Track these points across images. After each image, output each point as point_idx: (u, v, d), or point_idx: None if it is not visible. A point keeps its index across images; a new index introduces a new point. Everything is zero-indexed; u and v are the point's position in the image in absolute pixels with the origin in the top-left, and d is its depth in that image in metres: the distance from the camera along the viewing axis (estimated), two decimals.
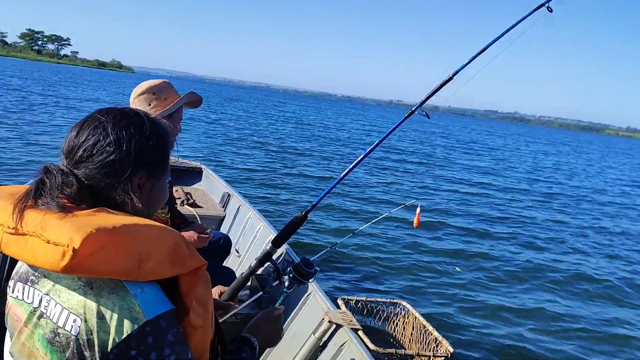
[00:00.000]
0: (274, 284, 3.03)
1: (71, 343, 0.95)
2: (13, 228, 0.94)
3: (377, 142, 2.26)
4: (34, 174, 1.01)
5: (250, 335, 1.38)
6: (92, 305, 0.95)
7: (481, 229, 9.61)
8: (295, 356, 2.62)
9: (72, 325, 0.95)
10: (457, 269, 6.09)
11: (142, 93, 2.50)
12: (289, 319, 2.97)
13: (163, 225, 1.02)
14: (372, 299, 3.73)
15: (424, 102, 2.23)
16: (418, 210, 3.38)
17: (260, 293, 3.10)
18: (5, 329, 1.11)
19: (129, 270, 0.93)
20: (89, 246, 0.87)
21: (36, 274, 1.04)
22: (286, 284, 1.84)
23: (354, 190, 11.44)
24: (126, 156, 1.04)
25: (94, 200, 1.02)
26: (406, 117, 2.27)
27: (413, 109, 2.25)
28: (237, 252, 4.14)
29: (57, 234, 0.89)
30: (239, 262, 4.12)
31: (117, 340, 0.93)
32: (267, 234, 4.04)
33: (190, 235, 2.65)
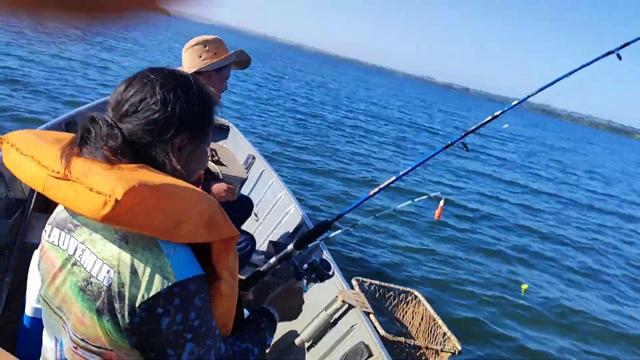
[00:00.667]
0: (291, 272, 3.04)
1: (102, 293, 0.97)
2: (58, 172, 0.95)
3: (412, 166, 2.23)
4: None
5: (270, 307, 1.38)
6: (126, 258, 0.96)
7: (503, 227, 9.49)
8: (304, 329, 2.61)
9: (105, 276, 0.97)
10: (524, 287, 5.94)
11: (194, 45, 2.51)
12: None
13: (201, 190, 1.03)
14: (386, 284, 3.70)
15: (465, 134, 2.19)
16: (441, 203, 3.30)
17: (277, 265, 3.09)
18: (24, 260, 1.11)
19: (165, 230, 0.94)
20: (130, 199, 0.88)
21: (74, 222, 1.06)
22: (304, 283, 1.85)
23: (379, 172, 11.36)
24: (170, 116, 1.04)
25: (136, 157, 1.03)
26: (445, 147, 2.22)
27: (453, 140, 2.21)
28: (256, 215, 4.14)
29: (101, 183, 0.90)
30: (256, 226, 4.12)
31: (146, 296, 0.95)
32: (287, 202, 4.03)
33: (219, 186, 2.63)
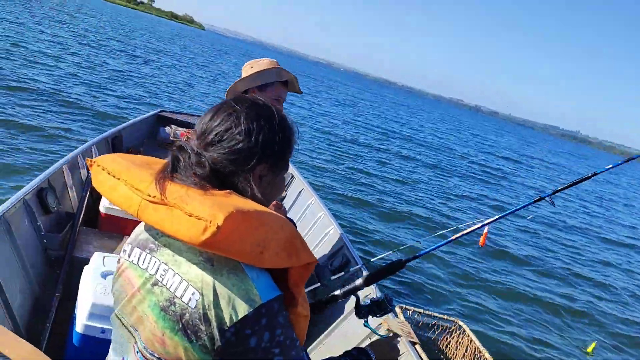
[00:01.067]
0: (332, 278, 2.99)
1: (186, 314, 0.98)
2: (154, 196, 0.98)
3: (504, 214, 2.25)
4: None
5: (372, 352, 1.42)
6: (211, 281, 0.98)
7: (551, 257, 9.20)
8: None
9: (190, 297, 0.98)
10: (591, 348, 5.72)
11: (245, 65, 2.55)
12: (344, 314, 2.90)
13: (283, 217, 1.05)
14: (429, 313, 3.61)
15: (556, 192, 2.22)
16: (486, 229, 3.21)
17: (318, 284, 3.05)
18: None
19: (252, 255, 0.96)
20: (229, 224, 0.90)
21: (156, 242, 1.08)
22: (368, 318, 1.82)
23: (421, 197, 11.22)
24: (253, 146, 1.07)
25: (221, 184, 1.05)
26: (535, 201, 2.27)
27: (544, 195, 2.24)
28: None
29: (199, 208, 0.93)
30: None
31: (234, 319, 0.96)
32: (327, 223, 3.99)
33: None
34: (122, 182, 1.04)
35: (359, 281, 1.81)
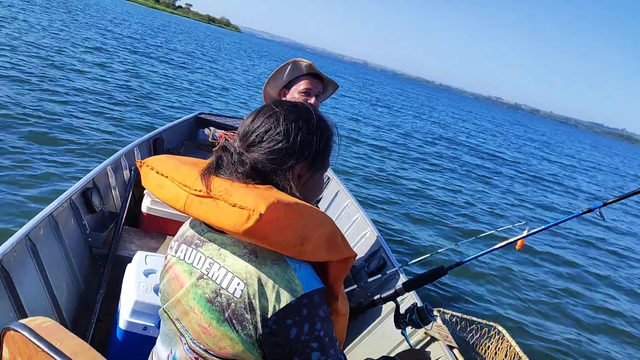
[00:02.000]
0: (369, 280, 2.97)
1: (232, 304, 1.03)
2: (200, 191, 1.04)
3: (550, 225, 2.25)
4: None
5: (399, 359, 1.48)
6: (255, 272, 1.02)
7: (595, 263, 8.94)
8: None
9: (235, 288, 1.02)
10: None
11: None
12: (380, 317, 2.89)
13: (322, 211, 1.08)
14: (467, 317, 3.55)
15: (606, 204, 2.20)
16: (525, 232, 3.14)
17: (355, 286, 3.05)
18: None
19: (293, 246, 1.00)
20: (270, 214, 0.95)
21: (202, 238, 1.13)
22: (407, 328, 1.81)
23: (457, 201, 11.07)
24: (292, 146, 1.11)
25: (262, 182, 1.10)
26: (583, 213, 2.26)
27: (592, 207, 2.21)
28: None
29: (242, 199, 0.98)
30: None
31: (277, 308, 1.00)
32: (363, 225, 3.98)
33: None
34: (170, 179, 1.10)
35: (398, 286, 1.81)
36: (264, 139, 1.12)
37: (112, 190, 3.29)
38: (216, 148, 1.14)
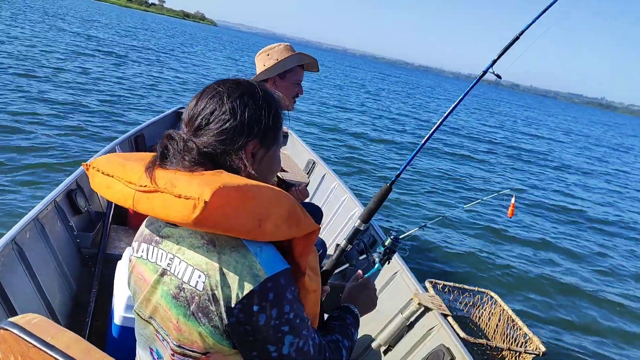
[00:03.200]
0: (360, 258, 3.00)
1: (195, 297, 1.00)
2: (145, 186, 0.99)
3: (454, 104, 2.24)
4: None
5: (349, 303, 1.41)
6: (215, 262, 0.99)
7: (580, 224, 9.07)
8: (379, 333, 2.58)
9: (197, 281, 1.00)
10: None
11: (259, 54, 2.53)
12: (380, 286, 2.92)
13: (279, 189, 1.04)
14: (460, 286, 3.61)
15: (495, 61, 2.18)
16: (513, 199, 3.20)
17: (347, 265, 3.07)
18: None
19: (250, 229, 0.96)
20: (217, 200, 0.91)
21: (161, 233, 1.10)
22: (376, 260, 1.83)
23: (445, 175, 11.14)
24: (240, 124, 1.08)
25: (213, 166, 1.06)
26: (479, 79, 2.25)
27: (485, 69, 2.26)
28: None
29: (187, 188, 0.94)
30: (321, 231, 4.11)
31: (240, 295, 0.97)
32: (351, 206, 4.00)
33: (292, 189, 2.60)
34: (116, 178, 1.06)
35: (357, 222, 1.83)
36: (211, 120, 1.08)
37: None
38: (161, 138, 1.09)
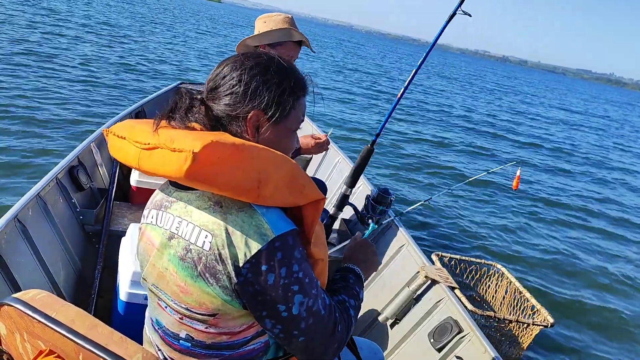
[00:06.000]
0: (362, 228, 2.99)
1: (202, 258, 1.01)
2: (147, 143, 1.01)
3: (426, 52, 2.23)
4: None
5: (351, 264, 1.39)
6: (221, 221, 1.00)
7: (588, 197, 9.05)
8: (386, 306, 2.57)
9: (203, 241, 1.01)
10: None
11: (259, 19, 2.50)
12: (380, 267, 2.91)
13: (281, 153, 1.05)
14: (466, 258, 3.59)
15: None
16: (518, 172, 3.16)
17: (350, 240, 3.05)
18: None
19: (249, 189, 0.97)
20: (208, 153, 0.92)
21: (170, 199, 1.12)
22: (370, 222, 1.81)
23: (449, 149, 11.10)
24: (243, 92, 1.09)
25: (220, 129, 1.09)
26: (449, 20, 2.27)
27: (453, 10, 2.24)
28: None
29: (181, 143, 0.95)
30: (326, 206, 4.09)
31: (248, 255, 0.98)
32: None
33: (307, 141, 2.52)
34: (127, 140, 1.07)
35: (344, 187, 1.82)
36: (220, 84, 1.11)
37: (99, 166, 3.24)
38: (173, 96, 1.13)
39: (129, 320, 2.04)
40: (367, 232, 1.81)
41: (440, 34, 2.31)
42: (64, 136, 6.39)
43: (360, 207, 2.43)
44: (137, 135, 1.05)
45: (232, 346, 1.10)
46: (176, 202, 1.09)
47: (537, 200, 8.21)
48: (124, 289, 2.01)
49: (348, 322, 1.18)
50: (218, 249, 0.99)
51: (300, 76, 1.18)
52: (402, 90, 2.20)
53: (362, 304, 1.32)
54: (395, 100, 2.20)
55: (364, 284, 1.40)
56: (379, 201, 1.77)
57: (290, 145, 1.20)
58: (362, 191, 3.63)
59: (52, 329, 0.91)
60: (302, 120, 1.21)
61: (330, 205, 3.97)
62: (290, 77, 1.14)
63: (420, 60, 2.19)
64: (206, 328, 1.07)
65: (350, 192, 1.83)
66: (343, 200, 1.82)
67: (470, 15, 2.24)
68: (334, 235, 3.43)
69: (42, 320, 0.91)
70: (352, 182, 1.80)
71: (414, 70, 2.28)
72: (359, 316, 1.31)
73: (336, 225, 3.70)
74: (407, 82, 2.23)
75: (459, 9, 2.19)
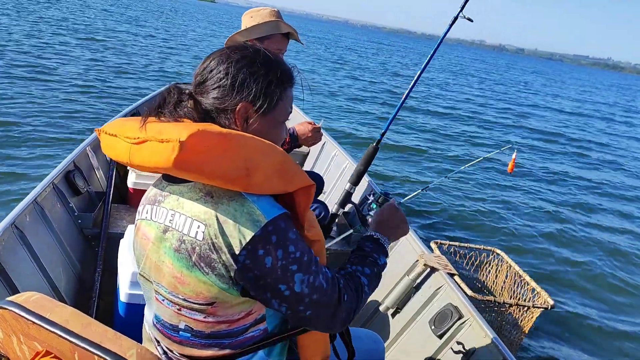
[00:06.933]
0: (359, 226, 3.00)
1: (196, 248, 1.03)
2: (137, 138, 1.02)
3: (431, 53, 2.21)
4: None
5: (374, 231, 1.38)
6: (213, 211, 1.02)
7: (583, 180, 9.06)
8: (387, 296, 2.58)
9: (196, 231, 1.02)
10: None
11: (246, 14, 2.50)
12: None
13: (268, 141, 1.06)
14: (465, 245, 3.61)
15: (464, 5, 2.23)
16: (514, 155, 3.15)
17: (351, 231, 3.06)
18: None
19: (237, 177, 0.98)
20: (195, 142, 0.94)
21: (163, 193, 1.13)
22: (373, 205, 1.80)
23: (446, 135, 11.10)
24: (231, 85, 1.10)
25: (209, 121, 1.11)
26: (451, 25, 2.27)
27: (456, 15, 2.24)
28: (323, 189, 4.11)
29: (169, 133, 0.97)
30: (324, 199, 4.09)
31: (243, 242, 1.00)
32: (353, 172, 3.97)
33: (304, 127, 2.52)
34: (118, 137, 1.09)
35: (347, 185, 1.82)
36: (207, 77, 1.13)
37: (96, 170, 3.24)
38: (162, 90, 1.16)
39: (130, 321, 2.05)
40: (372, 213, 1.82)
41: (443, 38, 2.30)
42: (60, 141, 6.40)
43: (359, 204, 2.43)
44: (127, 131, 1.06)
45: (232, 334, 1.12)
46: (169, 196, 1.11)
47: (534, 183, 8.23)
48: (124, 290, 2.02)
49: (359, 288, 1.20)
50: (211, 239, 1.01)
51: (287, 67, 1.19)
52: (407, 91, 2.21)
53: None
54: (401, 101, 2.21)
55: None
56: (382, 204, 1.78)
57: (279, 137, 1.21)
58: (362, 188, 3.64)
59: (47, 329, 0.92)
60: (290, 112, 1.22)
61: (332, 203, 3.99)
62: (276, 69, 1.15)
63: (425, 63, 2.20)
64: (205, 317, 1.09)
65: (354, 190, 1.84)
66: (347, 198, 1.83)
67: (471, 20, 2.23)
68: (333, 229, 3.44)
69: (37, 321, 0.92)
70: (356, 180, 1.81)
71: (419, 72, 2.28)
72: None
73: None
74: (412, 83, 2.23)
75: (461, 13, 2.20)
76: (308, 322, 1.12)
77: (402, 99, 2.24)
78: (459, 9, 2.23)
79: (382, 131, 2.09)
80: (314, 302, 1.08)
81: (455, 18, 2.21)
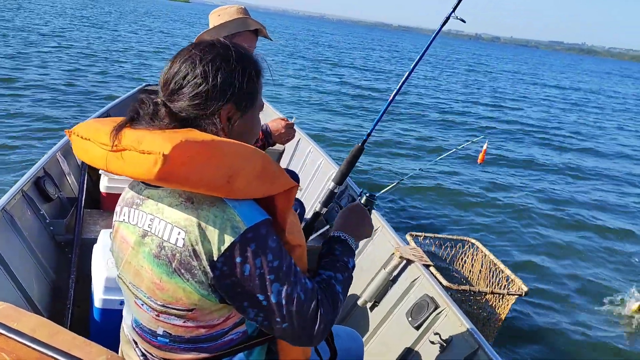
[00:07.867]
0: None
1: (177, 255, 1.01)
2: (115, 145, 1.00)
3: (420, 55, 2.21)
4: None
5: (340, 231, 1.36)
6: (194, 218, 1.01)
7: (552, 167, 9.22)
8: (364, 290, 2.60)
9: (177, 238, 1.01)
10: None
11: (212, 13, 2.48)
12: (356, 252, 2.93)
13: (251, 146, 1.05)
14: (441, 236, 3.65)
15: (456, 6, 2.17)
16: (485, 146, 3.19)
17: (327, 227, 3.08)
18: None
19: (220, 185, 0.97)
20: (179, 154, 0.92)
21: (141, 196, 1.11)
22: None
23: (415, 127, 11.18)
24: (213, 88, 1.06)
25: (189, 126, 1.07)
26: (442, 26, 2.23)
27: (448, 15, 2.21)
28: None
29: (150, 145, 0.94)
30: (300, 196, 4.09)
31: (222, 248, 0.98)
32: (328, 169, 3.98)
33: (277, 124, 2.51)
34: (92, 141, 1.06)
35: (331, 184, 1.82)
36: (184, 84, 1.07)
37: (67, 175, 3.19)
38: (133, 103, 1.09)
39: (106, 327, 2.03)
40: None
41: (433, 39, 2.29)
42: (29, 147, 6.27)
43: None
44: (103, 137, 1.03)
45: (211, 338, 1.11)
46: (147, 200, 1.09)
47: (506, 172, 8.36)
48: (99, 296, 2.00)
49: (335, 299, 1.17)
50: (192, 245, 0.99)
51: (255, 57, 1.17)
52: (394, 93, 2.22)
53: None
54: (387, 102, 2.22)
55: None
56: (366, 205, 1.78)
57: (258, 127, 1.22)
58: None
59: (14, 339, 0.91)
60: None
61: (309, 200, 3.99)
62: (250, 61, 1.13)
63: (413, 64, 2.20)
64: (184, 322, 1.08)
65: (338, 189, 1.85)
66: (330, 197, 1.83)
67: (464, 21, 2.22)
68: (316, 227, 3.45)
69: (2, 331, 0.91)
70: (340, 179, 1.81)
71: (407, 74, 2.27)
72: None
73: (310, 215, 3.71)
74: (400, 84, 2.23)
75: (453, 13, 2.20)
76: (284, 334, 1.08)
77: (389, 100, 2.25)
78: (451, 9, 2.23)
79: (368, 131, 2.11)
80: (291, 314, 1.05)
81: (447, 18, 2.22)
